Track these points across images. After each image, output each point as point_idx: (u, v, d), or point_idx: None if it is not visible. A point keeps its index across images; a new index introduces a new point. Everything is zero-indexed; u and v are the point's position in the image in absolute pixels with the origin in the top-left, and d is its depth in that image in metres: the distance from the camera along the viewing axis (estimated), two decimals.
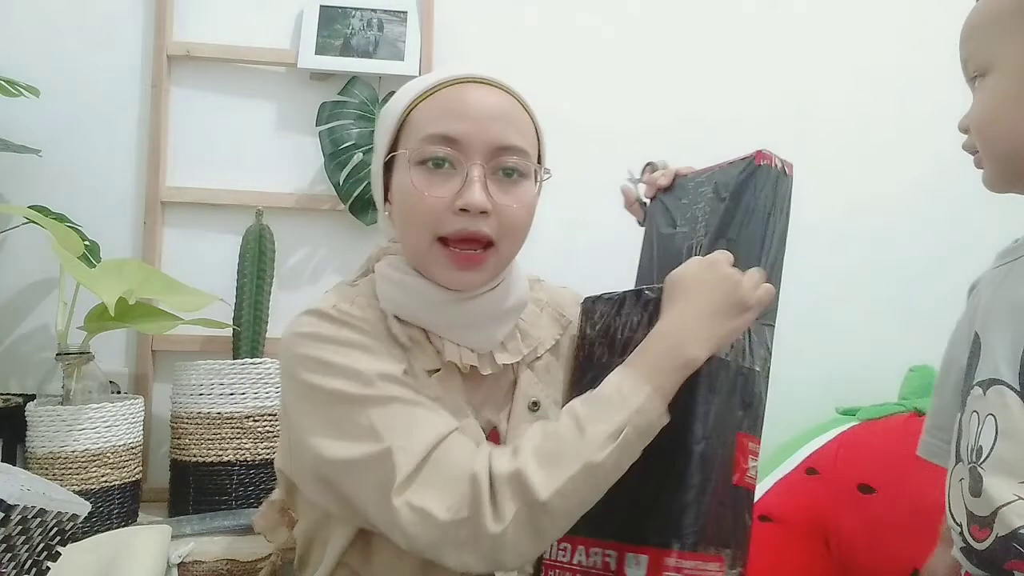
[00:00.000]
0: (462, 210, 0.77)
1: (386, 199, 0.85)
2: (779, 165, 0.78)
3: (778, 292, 0.75)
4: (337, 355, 0.77)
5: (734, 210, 0.77)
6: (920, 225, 1.69)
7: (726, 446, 0.67)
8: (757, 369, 0.70)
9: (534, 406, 0.86)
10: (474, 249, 0.79)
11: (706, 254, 0.76)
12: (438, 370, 0.82)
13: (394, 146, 0.82)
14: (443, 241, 0.79)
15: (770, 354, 0.72)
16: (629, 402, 0.69)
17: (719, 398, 0.69)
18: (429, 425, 0.73)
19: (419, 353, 0.82)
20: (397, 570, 0.80)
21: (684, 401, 0.69)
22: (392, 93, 0.95)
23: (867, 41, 1.71)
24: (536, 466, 0.68)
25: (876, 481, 1.34)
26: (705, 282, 0.74)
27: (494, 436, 0.85)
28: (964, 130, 0.67)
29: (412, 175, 0.78)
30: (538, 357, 0.89)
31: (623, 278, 0.93)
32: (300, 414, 0.78)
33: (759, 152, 0.77)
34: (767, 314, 0.74)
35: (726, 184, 0.79)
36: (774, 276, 0.76)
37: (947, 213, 1.65)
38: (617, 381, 0.71)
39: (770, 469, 1.44)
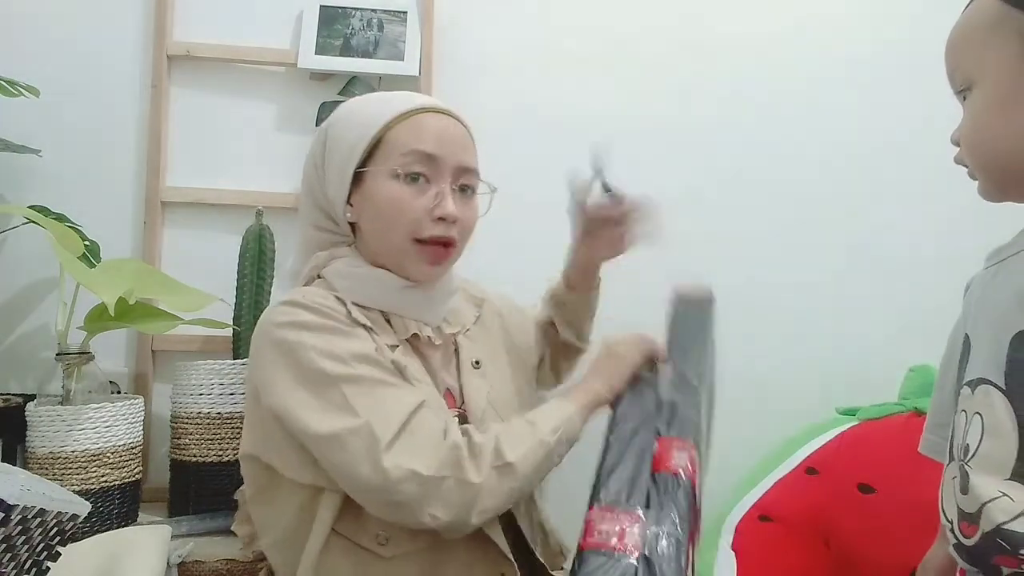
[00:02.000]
0: (440, 218, 0.94)
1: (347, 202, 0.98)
2: (688, 295, 1.08)
3: (695, 367, 0.96)
4: (314, 338, 0.88)
5: (669, 325, 1.05)
6: (920, 224, 1.69)
7: (644, 442, 0.85)
8: (680, 398, 0.91)
9: (476, 364, 1.04)
10: (443, 248, 0.97)
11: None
12: (397, 346, 0.95)
13: (366, 159, 0.95)
14: (420, 242, 0.95)
15: (694, 389, 0.93)
16: (563, 413, 0.92)
17: (633, 413, 0.91)
18: (399, 401, 0.86)
19: (380, 332, 0.95)
20: (390, 530, 0.88)
21: (610, 417, 0.93)
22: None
23: (868, 37, 1.71)
24: (504, 439, 0.87)
25: (876, 481, 1.34)
26: (604, 351, 1.03)
27: (449, 395, 1.00)
28: (956, 143, 0.68)
29: (394, 186, 0.94)
30: (468, 329, 1.08)
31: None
32: (283, 395, 0.87)
33: (675, 290, 1.09)
34: (697, 372, 0.96)
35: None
36: (684, 354, 0.99)
37: (947, 212, 1.65)
38: (555, 403, 0.95)
39: (770, 469, 1.44)
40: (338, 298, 0.95)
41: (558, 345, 1.28)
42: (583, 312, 1.24)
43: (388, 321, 0.98)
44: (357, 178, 0.96)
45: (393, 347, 0.94)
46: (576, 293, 1.20)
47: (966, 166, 0.68)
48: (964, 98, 0.66)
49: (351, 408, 0.84)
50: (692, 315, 1.04)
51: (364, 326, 0.93)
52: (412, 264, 0.96)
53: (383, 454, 0.81)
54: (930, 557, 0.83)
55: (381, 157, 0.95)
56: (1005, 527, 0.56)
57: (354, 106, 1.00)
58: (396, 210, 0.94)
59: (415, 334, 0.98)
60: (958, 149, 0.68)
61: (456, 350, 1.04)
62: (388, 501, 0.82)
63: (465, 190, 0.99)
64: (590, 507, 0.77)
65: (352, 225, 1.00)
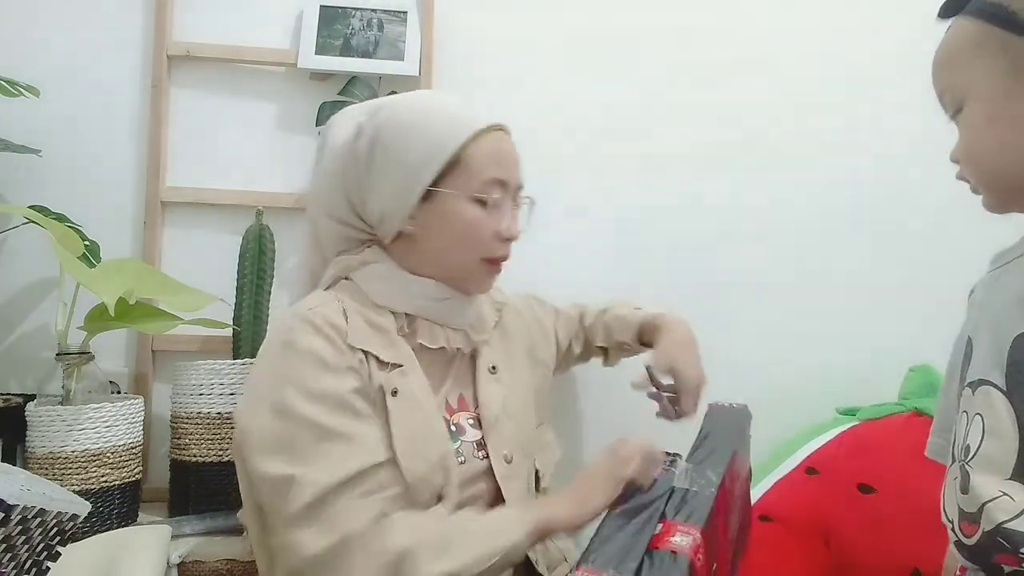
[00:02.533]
0: (505, 239, 0.99)
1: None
2: (726, 405, 1.09)
3: (716, 466, 0.92)
4: (301, 364, 0.89)
5: (699, 434, 1.02)
6: (921, 224, 1.69)
7: (645, 520, 0.83)
8: (694, 489, 0.88)
9: (493, 369, 1.05)
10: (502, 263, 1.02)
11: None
12: (400, 365, 0.95)
13: (441, 175, 0.95)
14: (487, 261, 0.99)
15: (713, 481, 0.90)
16: (509, 539, 0.86)
17: (640, 496, 0.88)
18: (342, 462, 0.85)
19: (387, 348, 0.95)
20: None
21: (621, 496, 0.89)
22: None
23: (864, 33, 1.71)
24: (425, 548, 0.82)
25: (876, 481, 1.34)
26: (592, 468, 0.95)
27: (462, 402, 1.02)
28: (955, 161, 0.69)
29: (473, 210, 0.96)
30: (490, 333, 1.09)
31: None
32: (250, 411, 0.89)
33: (710, 404, 1.10)
34: (717, 470, 0.92)
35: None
36: (707, 455, 0.95)
37: (948, 212, 1.65)
38: (510, 519, 0.89)
39: (770, 469, 1.44)
40: (346, 314, 0.95)
41: (593, 354, 1.34)
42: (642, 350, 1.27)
43: (410, 331, 0.99)
44: (426, 194, 0.96)
45: (396, 366, 0.94)
46: (648, 348, 1.24)
47: (968, 181, 0.69)
48: (956, 118, 0.67)
49: (294, 454, 0.85)
50: (722, 425, 1.04)
51: (363, 350, 0.93)
52: (476, 279, 1.01)
53: (288, 521, 0.83)
54: (949, 557, 0.84)
55: (461, 180, 0.95)
56: (1005, 526, 0.56)
57: (415, 114, 0.97)
58: (470, 234, 0.97)
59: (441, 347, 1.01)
60: (959, 168, 0.69)
61: (473, 355, 1.06)
62: (278, 561, 0.87)
63: (516, 205, 1.03)
64: (577, 568, 0.77)
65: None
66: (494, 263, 1.00)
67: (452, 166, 0.95)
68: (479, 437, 1.00)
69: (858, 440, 1.42)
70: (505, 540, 0.86)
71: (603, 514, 0.87)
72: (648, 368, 1.14)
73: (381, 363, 0.94)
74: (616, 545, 0.79)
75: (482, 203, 0.96)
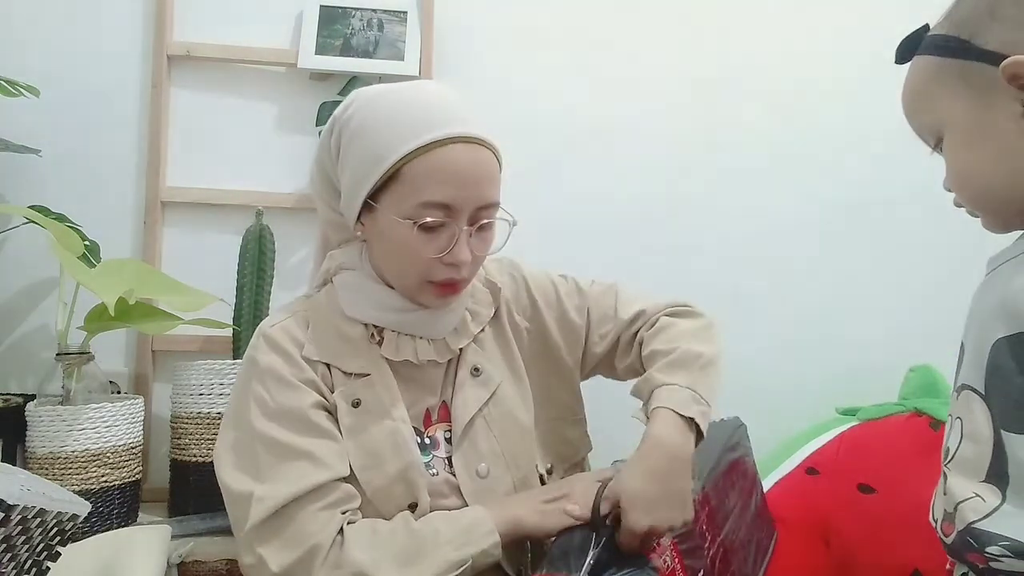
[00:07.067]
0: (448, 264, 0.88)
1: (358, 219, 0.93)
2: (715, 420, 0.99)
3: (698, 472, 0.91)
4: (258, 382, 0.90)
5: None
6: (921, 224, 1.69)
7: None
8: None
9: (476, 371, 0.97)
10: (452, 286, 0.92)
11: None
12: (367, 375, 0.92)
13: (379, 189, 0.88)
14: (429, 282, 0.90)
15: (694, 490, 0.89)
16: (480, 542, 0.83)
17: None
18: (301, 478, 0.84)
19: (352, 356, 0.93)
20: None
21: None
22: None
23: (862, 33, 1.71)
24: (383, 568, 0.81)
25: (876, 481, 1.35)
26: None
27: (443, 411, 0.96)
28: (948, 189, 0.71)
29: (406, 232, 0.86)
30: (481, 330, 1.00)
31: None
32: (222, 427, 0.92)
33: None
34: (700, 476, 0.90)
35: None
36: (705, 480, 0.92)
37: (949, 212, 1.64)
38: (479, 518, 0.86)
39: (770, 469, 1.44)
40: (309, 324, 0.94)
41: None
42: None
43: (380, 339, 0.94)
44: (367, 205, 0.90)
45: (361, 376, 0.92)
46: None
47: (964, 207, 0.71)
48: (938, 149, 0.69)
49: (254, 470, 0.86)
50: (708, 436, 0.98)
51: (323, 363, 0.92)
52: (423, 299, 0.92)
53: (247, 534, 0.84)
54: None
55: (395, 197, 0.87)
56: (975, 526, 0.58)
57: (372, 117, 0.88)
58: (404, 255, 0.89)
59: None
60: (954, 195, 0.71)
61: (459, 355, 0.98)
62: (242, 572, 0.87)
63: (482, 224, 0.90)
64: (537, 572, 0.78)
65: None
66: (444, 286, 0.90)
67: (390, 181, 0.86)
68: (449, 454, 0.94)
69: (858, 440, 1.42)
70: (473, 548, 0.83)
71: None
72: (605, 479, 0.92)
73: (345, 373, 0.92)
74: (572, 548, 0.79)
75: (417, 227, 0.86)
